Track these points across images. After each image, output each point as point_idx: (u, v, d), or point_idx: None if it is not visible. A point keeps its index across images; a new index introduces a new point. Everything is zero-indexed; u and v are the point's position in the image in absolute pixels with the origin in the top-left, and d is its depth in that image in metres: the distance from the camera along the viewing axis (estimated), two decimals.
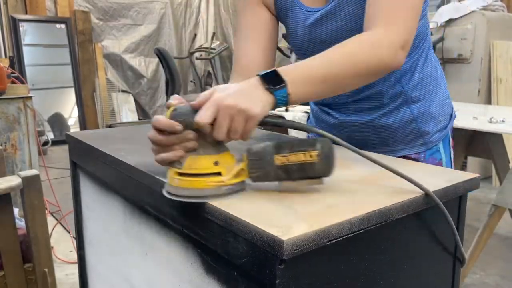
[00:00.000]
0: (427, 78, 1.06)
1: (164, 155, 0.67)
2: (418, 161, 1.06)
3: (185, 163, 0.66)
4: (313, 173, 0.67)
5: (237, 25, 1.09)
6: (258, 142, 0.71)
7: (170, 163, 0.67)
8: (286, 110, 3.20)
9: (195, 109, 0.66)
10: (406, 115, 1.05)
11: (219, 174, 0.67)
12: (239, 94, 0.67)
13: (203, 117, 0.64)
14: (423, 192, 0.70)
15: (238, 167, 0.68)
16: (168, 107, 0.68)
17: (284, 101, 0.73)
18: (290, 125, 0.74)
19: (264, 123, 0.71)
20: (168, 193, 0.68)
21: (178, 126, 0.66)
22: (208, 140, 0.67)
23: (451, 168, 1.13)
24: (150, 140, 0.69)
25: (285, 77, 0.72)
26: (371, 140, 1.09)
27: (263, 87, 0.71)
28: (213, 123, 0.65)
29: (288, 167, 0.66)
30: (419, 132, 1.07)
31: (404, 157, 1.06)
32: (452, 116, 1.13)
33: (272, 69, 0.73)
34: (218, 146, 0.68)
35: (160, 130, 0.67)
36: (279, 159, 0.66)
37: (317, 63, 0.78)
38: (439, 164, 1.09)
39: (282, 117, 0.73)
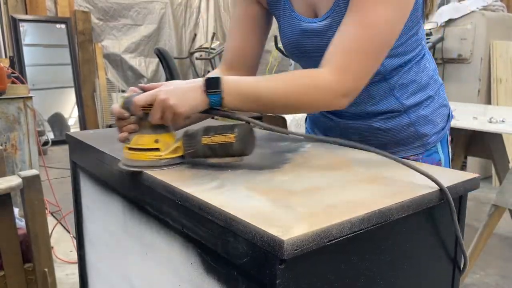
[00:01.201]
0: (424, 87, 1.06)
1: (118, 135, 0.86)
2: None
3: (132, 140, 0.84)
4: (232, 152, 0.82)
5: (232, 18, 1.15)
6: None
7: (124, 141, 0.85)
8: None
9: (145, 90, 0.82)
10: (403, 120, 1.06)
11: (157, 149, 0.83)
12: (176, 92, 0.80)
13: (138, 100, 0.80)
14: (422, 192, 0.70)
15: (175, 145, 0.84)
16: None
17: (217, 104, 0.83)
18: (228, 116, 0.86)
19: (206, 112, 0.85)
20: (123, 164, 0.86)
21: (126, 113, 0.83)
22: (152, 124, 0.83)
23: (449, 166, 1.14)
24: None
25: (223, 86, 0.82)
26: (370, 143, 1.06)
27: (202, 89, 0.82)
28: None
29: (212, 146, 0.82)
30: (417, 135, 1.07)
31: (403, 158, 1.06)
32: (449, 117, 1.14)
33: (218, 76, 0.84)
34: (159, 128, 0.84)
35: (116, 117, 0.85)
36: (205, 140, 0.82)
37: (259, 84, 0.86)
38: (438, 164, 1.09)
39: (227, 111, 0.87)
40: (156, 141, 0.83)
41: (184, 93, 0.81)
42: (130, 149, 0.84)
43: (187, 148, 0.84)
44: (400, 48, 0.98)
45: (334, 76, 0.85)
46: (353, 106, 1.01)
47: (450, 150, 1.15)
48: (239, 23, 1.11)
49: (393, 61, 1.00)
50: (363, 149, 0.80)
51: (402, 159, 0.77)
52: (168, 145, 0.84)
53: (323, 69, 0.87)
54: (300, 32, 1.02)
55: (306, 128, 1.30)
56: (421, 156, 1.08)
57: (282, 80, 0.87)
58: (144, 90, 0.84)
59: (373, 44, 0.86)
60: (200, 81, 0.83)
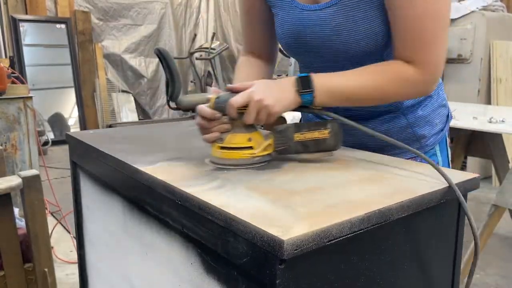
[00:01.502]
0: None
1: (207, 136, 0.86)
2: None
3: (225, 139, 0.86)
4: (325, 147, 0.87)
5: (240, 14, 1.18)
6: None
7: (213, 141, 0.87)
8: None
9: (232, 91, 0.85)
10: (400, 121, 1.05)
11: (251, 148, 0.86)
12: (268, 92, 0.82)
13: (235, 101, 0.81)
14: (422, 192, 0.70)
15: (266, 142, 0.87)
16: (209, 100, 0.86)
17: (309, 102, 0.87)
18: (314, 112, 0.91)
19: (297, 110, 0.90)
20: (211, 162, 0.88)
21: (217, 114, 0.85)
22: (243, 123, 0.85)
23: (449, 167, 1.13)
24: (196, 126, 0.88)
25: (315, 85, 0.86)
26: (368, 145, 1.07)
27: (294, 89, 0.85)
28: (244, 111, 0.83)
29: (305, 142, 0.86)
30: (416, 136, 1.06)
31: None
32: (448, 117, 1.13)
33: (308, 74, 0.87)
34: (250, 127, 0.87)
35: (203, 117, 0.85)
36: (298, 136, 0.86)
37: (348, 82, 0.89)
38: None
39: (317, 108, 0.91)
40: (249, 140, 0.86)
41: (278, 93, 0.84)
42: (223, 148, 0.86)
43: (278, 145, 0.87)
44: None
45: (420, 69, 0.88)
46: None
47: (449, 152, 1.14)
48: (246, 18, 1.15)
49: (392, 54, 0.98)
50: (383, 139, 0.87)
51: (417, 151, 0.84)
52: (259, 143, 0.87)
53: (406, 64, 0.89)
54: (300, 20, 0.99)
55: None
56: (419, 159, 1.05)
57: (370, 77, 0.89)
58: (233, 91, 0.85)
59: (442, 27, 0.89)
60: (291, 80, 0.86)
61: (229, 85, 0.87)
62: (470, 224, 0.73)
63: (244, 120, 0.84)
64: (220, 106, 0.85)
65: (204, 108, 0.85)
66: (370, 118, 1.06)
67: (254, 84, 0.84)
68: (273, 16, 1.08)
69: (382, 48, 0.96)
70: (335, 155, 0.96)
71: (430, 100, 1.06)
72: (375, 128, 1.05)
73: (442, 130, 1.10)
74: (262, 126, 0.96)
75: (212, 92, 0.87)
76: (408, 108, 1.04)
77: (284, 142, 0.87)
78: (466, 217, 0.82)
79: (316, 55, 1.01)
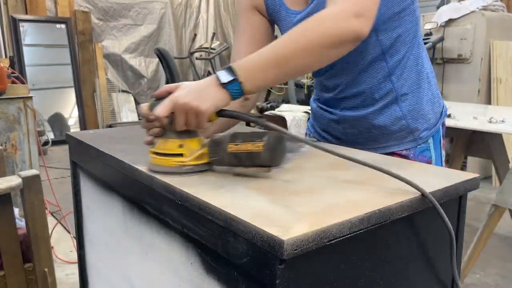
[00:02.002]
0: (417, 76, 1.07)
1: (145, 139, 0.85)
2: (407, 158, 1.07)
3: (156, 144, 0.82)
4: (259, 162, 0.76)
5: (236, 27, 1.17)
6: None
7: (149, 144, 0.84)
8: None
9: (158, 98, 0.81)
10: (395, 112, 1.07)
11: (181, 155, 0.80)
12: (193, 93, 0.78)
13: (160, 111, 0.78)
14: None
15: (200, 151, 0.81)
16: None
17: (238, 92, 0.80)
18: (244, 118, 0.83)
19: (222, 115, 0.82)
20: (148, 166, 0.83)
21: (151, 115, 0.80)
22: (177, 130, 0.80)
23: (441, 164, 1.14)
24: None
25: (238, 71, 0.79)
26: (364, 136, 1.10)
27: (218, 83, 0.79)
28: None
29: (238, 154, 0.77)
30: (409, 129, 1.08)
31: (393, 153, 1.08)
32: (442, 114, 1.14)
33: (227, 66, 0.80)
34: (185, 133, 0.81)
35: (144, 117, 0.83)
36: (231, 147, 0.77)
37: (266, 50, 0.82)
38: (429, 162, 1.09)
39: (237, 112, 0.83)
40: (180, 146, 0.80)
41: (202, 91, 0.79)
42: (154, 153, 0.82)
43: (212, 155, 0.80)
44: (397, 22, 1.00)
45: (336, 4, 0.83)
46: (353, 87, 1.06)
47: (443, 152, 1.15)
48: (243, 34, 1.12)
49: (392, 34, 1.01)
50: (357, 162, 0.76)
51: (392, 172, 0.73)
52: (192, 151, 0.81)
53: (326, 8, 0.85)
54: (294, 25, 0.99)
55: (307, 127, 1.31)
56: (412, 152, 1.08)
57: (288, 33, 0.83)
58: (158, 97, 0.81)
59: None
60: (212, 77, 0.80)
61: (155, 93, 0.83)
62: (444, 223, 0.72)
63: (174, 126, 0.79)
64: (154, 107, 0.80)
65: (142, 107, 0.83)
66: (368, 106, 1.08)
67: (178, 87, 0.80)
68: (270, 36, 1.13)
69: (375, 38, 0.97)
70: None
71: (424, 94, 1.08)
72: (373, 120, 1.07)
73: (435, 125, 1.11)
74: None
75: (160, 92, 0.83)
76: (404, 97, 1.06)
77: (217, 152, 0.79)
78: (466, 217, 0.82)
79: None
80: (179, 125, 0.79)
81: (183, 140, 0.81)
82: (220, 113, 0.81)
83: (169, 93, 0.80)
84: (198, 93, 0.78)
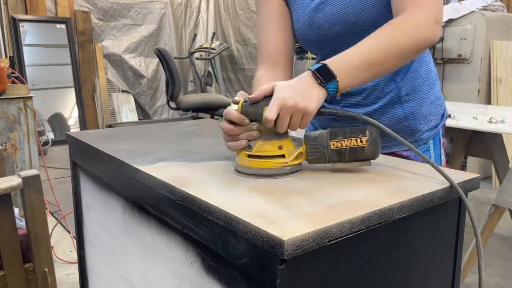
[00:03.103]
0: (420, 79, 1.08)
1: (232, 143, 0.81)
2: (408, 158, 1.08)
3: (254, 147, 0.80)
4: (362, 156, 0.79)
5: (257, 15, 1.17)
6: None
7: (240, 149, 0.81)
8: None
9: (254, 102, 0.79)
10: (398, 113, 1.08)
11: (283, 156, 0.80)
12: (298, 94, 0.78)
13: (270, 114, 0.76)
14: (422, 192, 0.70)
15: (298, 151, 0.81)
16: (235, 103, 0.81)
17: (334, 91, 0.83)
18: (342, 114, 0.85)
19: (320, 113, 0.84)
20: (238, 171, 0.82)
21: (246, 119, 0.80)
22: (272, 128, 0.79)
23: (440, 163, 1.15)
24: (222, 130, 0.83)
25: (335, 71, 0.82)
26: None
27: (316, 83, 0.81)
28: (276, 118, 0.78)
29: (341, 150, 0.79)
30: (411, 130, 1.09)
31: (395, 153, 1.09)
32: (444, 116, 1.16)
33: (322, 64, 0.83)
34: (281, 134, 0.81)
35: (231, 122, 0.80)
36: (334, 144, 0.79)
37: (359, 53, 0.86)
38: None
39: (335, 109, 0.91)
40: (280, 148, 0.80)
41: (304, 91, 0.79)
42: (250, 156, 0.80)
43: (312, 153, 0.81)
44: None
45: (419, 10, 0.88)
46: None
47: (443, 152, 1.16)
48: (269, 18, 1.12)
49: None
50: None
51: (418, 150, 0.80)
52: (290, 151, 0.81)
53: (402, 14, 0.90)
54: (313, 8, 1.05)
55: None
56: (413, 153, 1.08)
57: (377, 36, 0.88)
58: (253, 101, 0.80)
59: None
60: (308, 75, 0.82)
61: (251, 96, 0.81)
62: (473, 224, 0.72)
63: (277, 128, 0.79)
64: (247, 111, 0.79)
65: (232, 112, 0.80)
66: (371, 104, 1.09)
67: (275, 88, 0.79)
68: (288, 15, 1.13)
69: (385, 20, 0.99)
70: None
71: (427, 95, 1.09)
72: (376, 119, 1.06)
73: (436, 126, 1.12)
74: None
75: (239, 95, 0.83)
76: (406, 97, 1.07)
77: (317, 150, 0.80)
78: (466, 217, 0.82)
79: (330, 38, 1.05)
80: (284, 127, 0.78)
81: (282, 141, 0.81)
82: (319, 111, 0.82)
83: (265, 96, 0.79)
84: (303, 94, 0.78)
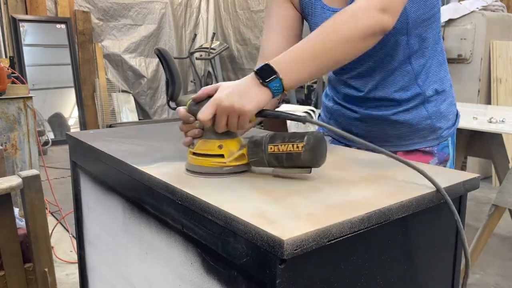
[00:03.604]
0: (441, 79, 1.12)
1: (182, 140, 0.86)
2: (431, 153, 1.13)
3: (195, 145, 0.82)
4: (300, 163, 0.75)
5: (265, 18, 1.17)
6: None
7: (188, 146, 0.85)
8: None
9: (198, 101, 0.81)
10: (421, 112, 1.11)
11: (222, 156, 0.80)
12: (236, 94, 0.77)
13: (204, 114, 0.77)
14: (422, 192, 0.70)
15: (240, 152, 0.80)
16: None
17: (279, 89, 0.80)
18: (286, 117, 0.81)
19: (264, 116, 0.81)
20: (186, 169, 0.84)
21: (191, 117, 0.82)
22: (213, 128, 0.80)
23: (453, 164, 1.19)
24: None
25: (276, 68, 0.79)
26: (388, 134, 1.14)
27: (258, 82, 0.79)
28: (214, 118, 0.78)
29: (278, 155, 0.77)
30: (433, 128, 1.12)
31: (417, 150, 1.13)
32: (458, 116, 1.20)
33: (264, 63, 0.80)
34: (223, 134, 0.81)
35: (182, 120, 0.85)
36: (271, 148, 0.77)
37: (302, 45, 0.85)
38: (447, 159, 1.15)
39: (279, 111, 0.83)
40: (220, 147, 0.80)
41: (243, 92, 0.78)
42: (194, 154, 0.82)
43: (251, 156, 0.80)
44: (425, 27, 1.04)
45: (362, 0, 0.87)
46: (379, 89, 1.09)
47: (454, 150, 1.20)
48: (275, 23, 1.13)
49: (420, 38, 1.05)
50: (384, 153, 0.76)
51: (397, 156, 0.76)
52: (232, 152, 0.81)
53: (354, 3, 0.88)
54: (334, 12, 1.02)
55: (320, 116, 1.32)
56: (435, 148, 1.13)
57: (320, 27, 0.86)
58: (196, 101, 0.81)
59: None
60: (252, 75, 0.80)
61: (193, 96, 0.82)
62: (455, 219, 0.73)
63: (216, 128, 0.79)
64: (193, 109, 0.81)
65: (179, 110, 0.85)
66: (396, 106, 1.11)
67: (218, 88, 0.80)
68: (299, 28, 1.14)
69: (407, 30, 1.00)
70: (336, 154, 0.96)
71: (446, 96, 1.13)
72: (399, 118, 1.11)
73: (453, 125, 1.17)
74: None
75: (201, 92, 0.83)
76: (430, 98, 1.10)
77: (257, 154, 0.79)
78: (465, 217, 0.82)
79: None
80: (221, 127, 0.79)
81: (223, 140, 0.81)
82: (261, 113, 0.81)
83: (208, 95, 0.80)
84: (240, 94, 0.78)
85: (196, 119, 0.81)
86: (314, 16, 1.10)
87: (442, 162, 1.13)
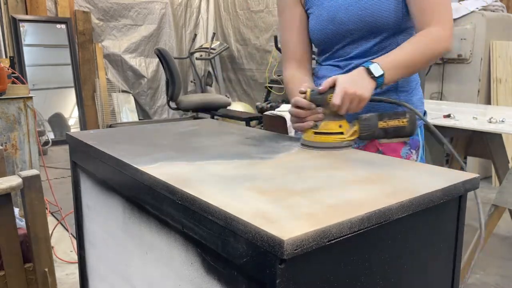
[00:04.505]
0: (413, 77, 1.26)
1: (300, 124, 1.05)
2: (404, 140, 1.22)
3: (320, 126, 1.03)
4: (403, 133, 1.03)
5: (280, 21, 1.36)
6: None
7: (307, 128, 1.04)
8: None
9: (321, 93, 1.01)
10: (392, 97, 1.21)
11: (342, 133, 1.02)
12: (356, 84, 1.00)
13: (337, 100, 0.98)
14: (422, 192, 0.70)
15: (353, 129, 1.03)
16: (301, 92, 1.03)
17: (381, 83, 1.04)
18: (387, 101, 1.08)
19: (372, 100, 1.04)
20: (303, 145, 1.04)
21: (313, 105, 1.03)
22: (333, 111, 1.01)
23: (423, 152, 1.29)
24: (291, 114, 1.07)
25: (383, 67, 1.03)
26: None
27: (369, 76, 1.03)
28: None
29: (386, 129, 1.03)
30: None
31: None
32: (425, 114, 1.33)
33: (373, 62, 1.04)
34: (340, 116, 1.02)
35: (299, 107, 1.03)
36: (381, 124, 1.03)
37: (401, 54, 1.08)
38: (419, 145, 1.26)
39: (380, 97, 1.10)
40: (340, 126, 1.02)
41: (360, 83, 1.01)
42: (316, 133, 1.02)
43: (364, 131, 1.03)
44: (407, 31, 1.22)
45: (441, 27, 1.11)
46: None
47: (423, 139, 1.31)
48: (291, 25, 1.32)
49: (401, 39, 1.19)
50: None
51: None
52: (347, 129, 1.02)
53: (429, 27, 1.11)
54: (336, 3, 1.21)
55: None
56: (407, 148, 1.24)
57: (412, 44, 1.10)
58: (321, 92, 1.01)
59: None
60: (363, 70, 1.03)
61: (319, 88, 1.02)
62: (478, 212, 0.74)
63: (339, 110, 1.00)
64: (315, 98, 1.01)
65: (301, 100, 1.03)
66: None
67: (337, 81, 1.00)
68: (306, 21, 1.30)
69: (400, 26, 1.18)
70: (336, 154, 0.97)
71: (416, 91, 1.28)
72: (373, 105, 1.19)
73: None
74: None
75: (304, 87, 1.04)
76: (400, 87, 1.24)
77: (368, 129, 1.02)
78: (465, 217, 0.82)
79: (345, 35, 1.22)
80: (344, 110, 1.00)
81: (342, 121, 1.03)
82: (371, 98, 1.02)
83: (331, 87, 1.00)
84: (359, 84, 1.00)
85: (317, 106, 1.02)
86: (317, 6, 1.25)
87: (415, 148, 1.25)
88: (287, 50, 1.35)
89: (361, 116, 1.04)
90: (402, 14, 1.16)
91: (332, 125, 1.02)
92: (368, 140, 1.09)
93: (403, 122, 1.02)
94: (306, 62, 1.34)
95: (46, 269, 1.43)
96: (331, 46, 1.27)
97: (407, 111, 1.03)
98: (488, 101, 3.98)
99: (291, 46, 1.33)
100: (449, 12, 1.15)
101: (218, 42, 6.24)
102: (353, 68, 1.21)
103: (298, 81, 1.25)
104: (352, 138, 1.03)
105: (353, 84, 1.00)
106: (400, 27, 1.19)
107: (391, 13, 1.16)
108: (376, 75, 1.03)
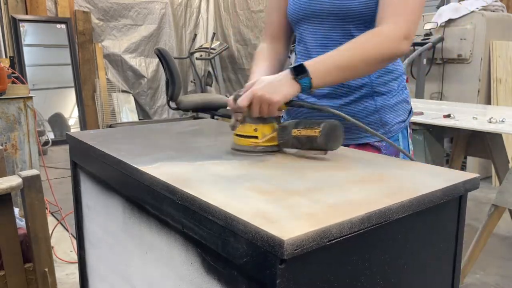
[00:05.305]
0: (390, 74, 1.18)
1: (229, 123, 1.02)
2: (380, 149, 1.17)
3: (237, 128, 1.00)
4: (316, 145, 0.91)
5: (268, 3, 1.35)
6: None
7: (233, 128, 1.02)
8: None
9: (241, 94, 0.97)
10: (370, 106, 1.17)
11: (256, 137, 0.97)
12: (268, 87, 0.95)
13: (241, 102, 0.95)
14: (422, 192, 0.70)
15: (271, 135, 0.97)
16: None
17: (308, 86, 0.97)
18: (309, 106, 0.99)
19: (291, 105, 0.99)
20: (231, 148, 1.01)
21: (235, 106, 0.97)
22: (249, 114, 0.97)
23: (409, 151, 1.24)
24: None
25: (308, 68, 0.96)
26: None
27: (291, 77, 0.96)
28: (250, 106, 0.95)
29: (300, 138, 0.93)
30: (381, 122, 1.18)
31: (367, 144, 1.17)
32: (410, 113, 1.26)
33: (300, 63, 0.97)
34: (258, 119, 0.97)
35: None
36: (294, 132, 0.93)
37: (333, 55, 1.00)
38: (398, 153, 1.19)
39: (304, 101, 1.04)
40: (255, 130, 0.97)
41: (276, 85, 0.96)
42: (236, 135, 1.00)
43: (279, 138, 0.97)
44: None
45: (390, 24, 1.01)
46: None
47: (410, 142, 1.25)
48: (277, 5, 1.30)
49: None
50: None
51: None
52: (265, 134, 0.97)
53: (380, 25, 1.03)
54: None
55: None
56: (384, 143, 1.18)
57: (351, 44, 1.01)
58: (240, 93, 0.98)
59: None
60: (287, 71, 0.97)
61: (239, 90, 1.00)
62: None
63: (250, 114, 0.97)
64: (237, 98, 0.98)
65: (228, 100, 1.02)
66: (345, 96, 1.17)
67: (255, 82, 0.97)
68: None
69: (373, 18, 1.08)
70: (336, 155, 0.96)
71: (396, 92, 1.20)
72: (347, 111, 1.15)
73: (404, 121, 1.22)
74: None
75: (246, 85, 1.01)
76: (378, 89, 1.17)
77: (283, 136, 0.95)
78: (465, 217, 0.82)
79: (320, 22, 1.16)
80: (254, 113, 0.96)
81: (257, 125, 0.97)
82: (289, 103, 0.98)
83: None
84: (273, 87, 0.95)
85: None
86: None
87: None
88: (267, 27, 1.36)
89: (282, 122, 0.99)
90: (374, 5, 1.07)
91: (247, 128, 0.98)
92: (288, 148, 0.98)
93: (315, 132, 0.90)
94: (284, 37, 1.33)
95: (46, 269, 1.43)
96: (296, 29, 1.25)
97: (325, 120, 0.91)
98: (488, 101, 3.98)
99: (269, 23, 1.34)
100: (410, 9, 1.02)
101: (218, 42, 6.24)
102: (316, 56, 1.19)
103: (262, 57, 1.27)
104: (269, 144, 0.97)
105: (267, 87, 0.95)
106: (372, 19, 1.09)
107: (364, 3, 1.08)
108: (298, 75, 0.96)
